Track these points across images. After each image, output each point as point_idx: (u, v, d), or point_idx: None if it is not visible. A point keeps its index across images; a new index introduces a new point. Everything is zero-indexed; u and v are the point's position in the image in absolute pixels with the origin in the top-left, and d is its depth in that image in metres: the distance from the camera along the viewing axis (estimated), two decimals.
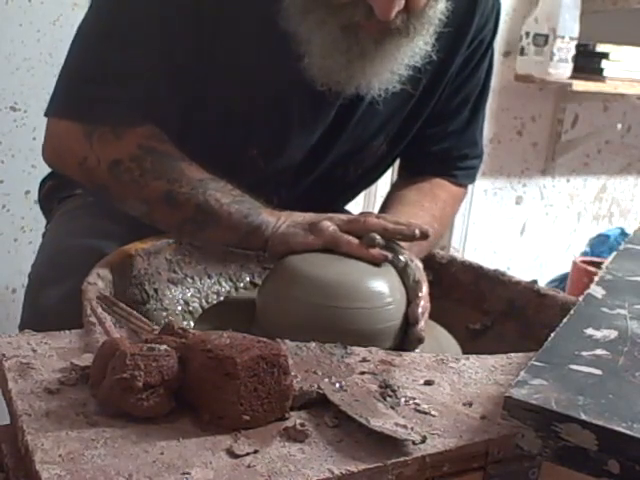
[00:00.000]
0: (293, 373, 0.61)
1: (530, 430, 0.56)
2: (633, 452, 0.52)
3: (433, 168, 1.11)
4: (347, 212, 1.19)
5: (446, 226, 1.11)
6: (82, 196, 1.09)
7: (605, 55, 2.22)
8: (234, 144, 1.00)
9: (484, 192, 2.40)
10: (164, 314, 0.90)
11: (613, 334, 0.70)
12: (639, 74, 2.28)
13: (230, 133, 0.99)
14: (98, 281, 0.80)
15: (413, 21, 0.87)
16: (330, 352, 0.71)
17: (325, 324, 0.77)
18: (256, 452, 0.55)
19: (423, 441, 0.57)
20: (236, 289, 0.99)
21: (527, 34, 2.19)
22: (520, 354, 0.74)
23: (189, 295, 0.95)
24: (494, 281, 0.99)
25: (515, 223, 2.51)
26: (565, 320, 0.73)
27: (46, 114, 0.96)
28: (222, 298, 0.97)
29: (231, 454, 0.54)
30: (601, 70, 2.22)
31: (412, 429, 0.57)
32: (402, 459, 0.55)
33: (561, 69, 2.16)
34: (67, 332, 0.71)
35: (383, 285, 0.80)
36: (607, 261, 0.91)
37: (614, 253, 0.95)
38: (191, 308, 0.94)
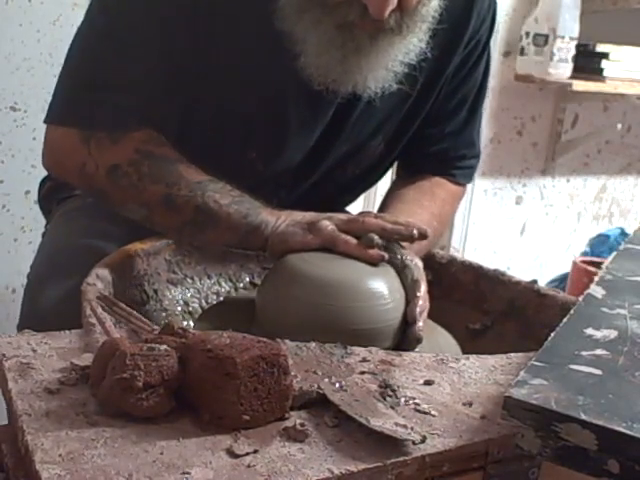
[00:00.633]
0: (293, 373, 0.61)
1: (530, 430, 0.56)
2: (633, 452, 0.52)
3: (431, 168, 1.11)
4: (347, 213, 1.19)
5: (445, 224, 1.12)
6: (81, 197, 1.09)
7: (605, 55, 2.21)
8: (233, 146, 1.00)
9: (484, 192, 2.40)
10: (164, 315, 0.90)
11: (613, 334, 0.70)
12: (639, 74, 2.28)
13: (229, 135, 0.99)
14: (97, 282, 0.80)
15: (406, 20, 0.87)
16: (330, 352, 0.71)
17: (324, 323, 0.77)
18: (256, 452, 0.55)
19: (423, 441, 0.57)
20: (236, 289, 0.99)
21: (527, 34, 2.19)
22: (520, 354, 0.74)
23: (189, 296, 0.95)
24: (494, 281, 0.99)
25: (515, 223, 2.51)
26: (565, 320, 0.73)
27: (45, 121, 0.97)
28: (222, 298, 0.97)
29: (231, 454, 0.54)
30: (601, 70, 2.22)
31: (412, 429, 0.57)
32: (402, 459, 0.55)
33: (561, 69, 2.16)
34: (67, 332, 0.71)
35: (382, 284, 0.81)
36: (607, 261, 0.91)
37: (614, 253, 0.95)
38: (191, 309, 0.94)
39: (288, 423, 0.58)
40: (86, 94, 0.92)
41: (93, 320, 0.72)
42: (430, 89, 1.04)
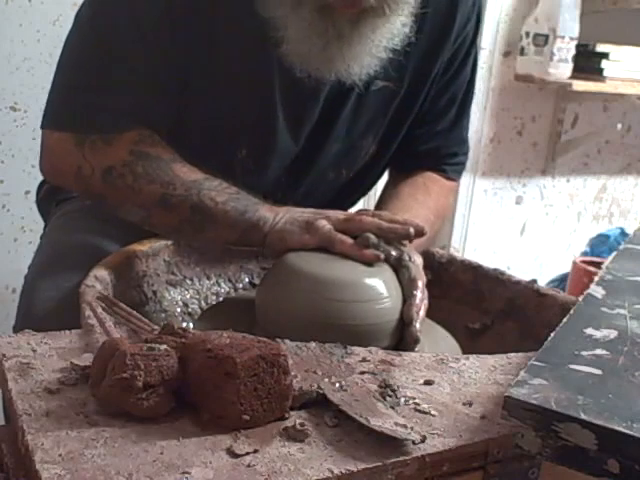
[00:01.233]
0: (293, 373, 0.61)
1: (530, 430, 0.56)
2: (633, 452, 0.52)
3: (423, 165, 1.12)
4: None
5: (442, 217, 1.12)
6: (80, 199, 1.09)
7: (605, 55, 2.22)
8: (223, 144, 0.99)
9: (484, 192, 2.40)
10: (163, 316, 0.90)
11: (613, 334, 0.70)
12: (639, 74, 2.28)
13: (218, 132, 0.99)
14: (96, 283, 0.80)
15: (388, 0, 0.86)
16: (330, 352, 0.71)
17: (323, 322, 0.78)
18: (256, 452, 0.55)
19: (423, 441, 0.57)
20: (235, 290, 1.00)
21: (527, 34, 2.19)
22: (520, 354, 0.74)
23: (188, 297, 0.95)
24: (494, 280, 0.99)
25: (515, 223, 2.51)
26: (565, 320, 0.73)
27: (41, 127, 0.97)
28: (221, 299, 0.97)
29: (231, 454, 0.54)
30: (601, 70, 2.22)
31: (412, 429, 0.57)
32: (402, 459, 0.55)
33: (561, 69, 2.16)
34: (67, 332, 0.71)
35: (379, 283, 0.81)
36: (607, 261, 0.91)
37: (614, 253, 0.95)
38: (190, 310, 0.94)
39: (288, 423, 0.58)
40: (78, 98, 0.93)
41: (92, 321, 0.72)
42: (418, 87, 1.04)
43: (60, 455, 0.52)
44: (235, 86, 0.95)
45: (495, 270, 1.00)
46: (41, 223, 1.20)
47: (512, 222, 2.50)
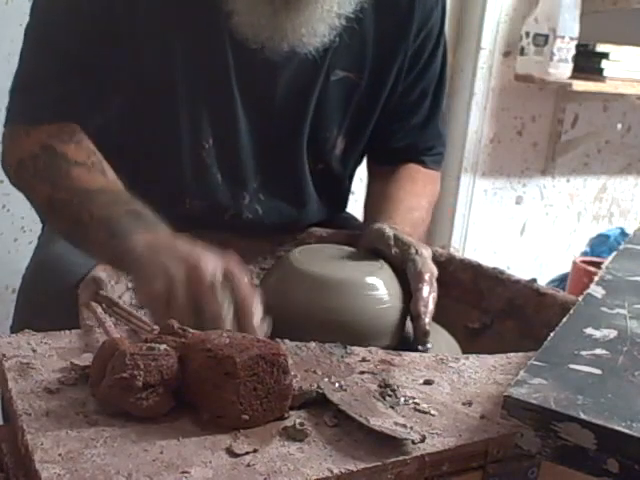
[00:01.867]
0: (293, 373, 0.61)
1: (529, 429, 0.56)
2: (632, 451, 0.52)
3: (402, 160, 1.11)
4: (352, 219, 1.19)
5: (433, 202, 1.11)
6: None
7: (605, 55, 2.21)
8: (186, 136, 0.97)
9: (484, 192, 2.40)
10: None
11: (613, 334, 0.70)
12: (639, 74, 2.28)
13: (181, 120, 0.96)
14: (94, 285, 0.80)
15: None
16: (330, 352, 0.71)
17: (322, 321, 0.78)
18: (255, 451, 0.55)
19: (422, 440, 0.57)
20: None
21: (527, 34, 2.18)
22: (519, 354, 0.74)
23: None
24: (493, 280, 0.99)
25: (515, 223, 2.51)
26: (565, 320, 0.73)
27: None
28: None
29: (230, 453, 0.54)
30: (601, 70, 2.21)
31: (411, 428, 0.58)
32: (401, 458, 0.55)
33: (561, 69, 2.16)
34: (67, 332, 0.71)
35: (379, 282, 0.81)
36: (607, 261, 0.91)
37: (614, 253, 0.95)
38: None
39: (288, 422, 0.58)
40: (15, 93, 0.94)
41: (91, 322, 0.72)
42: (382, 80, 1.04)
43: (60, 455, 0.52)
44: (190, 67, 0.94)
45: (495, 269, 1.00)
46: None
47: (512, 222, 2.50)
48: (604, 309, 0.76)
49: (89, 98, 0.92)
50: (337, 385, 0.64)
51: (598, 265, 1.74)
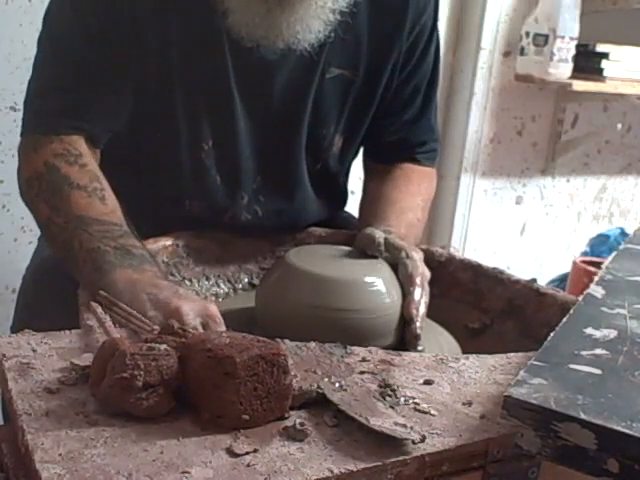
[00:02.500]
0: (293, 373, 0.61)
1: (529, 429, 0.56)
2: (632, 451, 0.52)
3: (395, 156, 1.11)
4: (351, 218, 1.19)
5: (429, 200, 1.11)
6: None
7: (605, 55, 2.21)
8: (186, 139, 0.98)
9: (484, 192, 2.40)
10: None
11: (613, 334, 0.70)
12: (639, 74, 2.28)
13: (180, 123, 0.97)
14: None
15: None
16: (330, 352, 0.71)
17: (322, 320, 0.78)
18: (256, 451, 0.55)
19: (422, 440, 0.57)
20: (234, 290, 1.00)
21: (527, 34, 2.18)
22: (520, 354, 0.74)
23: None
24: (493, 280, 0.99)
25: (515, 223, 2.51)
26: (565, 320, 0.73)
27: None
28: (220, 300, 0.97)
29: (231, 453, 0.54)
30: (601, 70, 2.21)
31: (411, 428, 0.58)
32: (401, 458, 0.55)
33: (561, 69, 2.16)
34: (67, 332, 0.71)
35: (378, 281, 0.81)
36: (607, 261, 0.91)
37: (614, 253, 0.95)
38: None
39: (288, 422, 0.59)
40: (28, 103, 0.95)
41: (91, 322, 0.72)
42: (377, 77, 1.04)
43: (60, 455, 0.52)
44: (189, 67, 0.94)
45: (494, 269, 1.00)
46: None
47: (512, 222, 2.50)
48: (604, 309, 0.76)
49: (103, 106, 0.93)
50: (337, 385, 0.64)
51: (598, 265, 1.74)
